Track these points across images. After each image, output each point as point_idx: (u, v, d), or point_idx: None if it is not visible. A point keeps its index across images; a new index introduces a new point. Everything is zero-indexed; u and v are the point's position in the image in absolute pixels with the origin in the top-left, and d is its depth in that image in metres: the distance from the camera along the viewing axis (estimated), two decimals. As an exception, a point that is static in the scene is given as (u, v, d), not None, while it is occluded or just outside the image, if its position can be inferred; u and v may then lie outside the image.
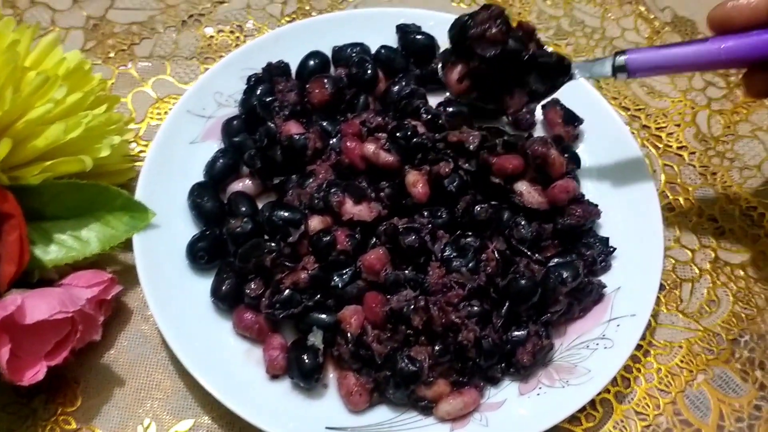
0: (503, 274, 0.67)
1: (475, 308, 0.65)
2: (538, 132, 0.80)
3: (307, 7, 0.93)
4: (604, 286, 0.71)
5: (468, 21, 0.70)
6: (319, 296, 0.67)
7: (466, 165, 0.71)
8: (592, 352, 0.67)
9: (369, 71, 0.79)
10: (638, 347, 0.71)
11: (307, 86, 0.77)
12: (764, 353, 0.72)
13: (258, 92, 0.77)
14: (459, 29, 0.71)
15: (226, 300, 0.69)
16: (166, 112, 0.81)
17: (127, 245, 0.70)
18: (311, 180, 0.71)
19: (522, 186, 0.71)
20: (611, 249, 0.72)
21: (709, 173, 0.83)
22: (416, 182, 0.69)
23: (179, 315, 0.67)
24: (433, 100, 0.78)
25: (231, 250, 0.70)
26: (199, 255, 0.70)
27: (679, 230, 0.79)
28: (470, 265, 0.67)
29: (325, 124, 0.75)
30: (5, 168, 0.65)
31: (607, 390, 0.69)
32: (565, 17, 0.94)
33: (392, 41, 0.83)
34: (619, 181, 0.76)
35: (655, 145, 0.84)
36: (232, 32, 0.90)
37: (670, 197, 0.81)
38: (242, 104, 0.79)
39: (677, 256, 0.77)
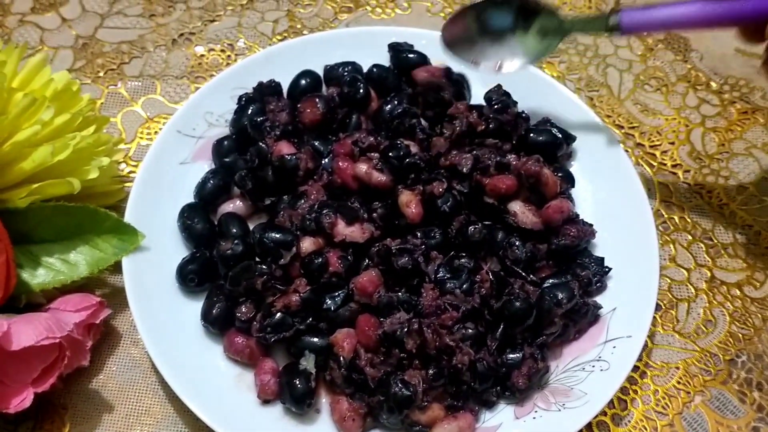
0: (498, 295, 0.66)
1: (470, 330, 0.64)
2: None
3: (299, 26, 0.92)
4: (600, 307, 0.70)
5: None
6: (311, 319, 0.66)
7: (459, 186, 0.70)
8: (588, 374, 0.67)
9: (361, 90, 0.78)
10: (635, 369, 0.70)
11: (299, 106, 0.77)
12: (762, 374, 0.72)
13: (249, 112, 0.77)
14: None
15: (217, 323, 0.68)
16: (156, 132, 0.81)
17: (117, 268, 0.69)
18: (303, 201, 0.71)
19: (516, 206, 0.70)
20: (606, 269, 0.71)
21: (704, 191, 0.82)
22: (409, 202, 0.69)
23: (169, 339, 0.66)
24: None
25: (222, 272, 0.69)
26: (190, 278, 0.69)
27: (675, 249, 0.78)
28: (464, 286, 0.66)
29: (316, 143, 0.75)
30: (-8, 191, 0.64)
31: (603, 413, 0.68)
32: (558, 35, 0.94)
33: (384, 60, 0.83)
34: (614, 200, 0.76)
35: (650, 163, 0.84)
36: (222, 51, 0.90)
37: (665, 216, 0.80)
38: (233, 124, 0.78)
39: (673, 275, 0.76)
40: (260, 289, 0.66)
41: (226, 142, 0.77)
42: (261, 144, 0.73)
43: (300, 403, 0.64)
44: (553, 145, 0.76)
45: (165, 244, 0.71)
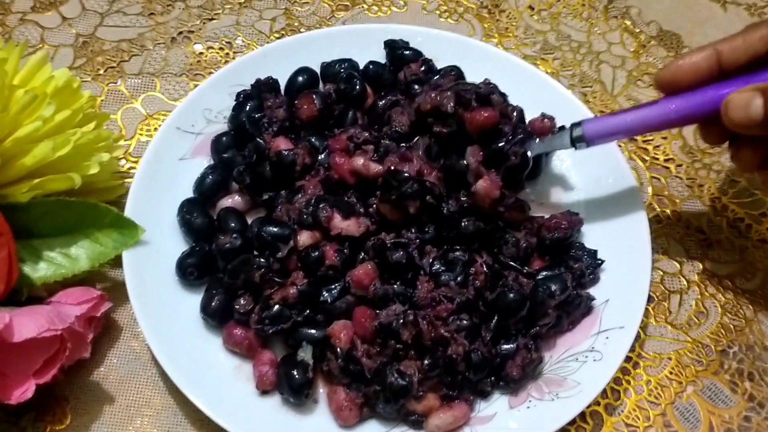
0: (492, 287, 0.67)
1: (464, 322, 0.65)
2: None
3: (296, 24, 0.93)
4: (593, 299, 0.71)
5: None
6: (308, 311, 0.67)
7: (444, 129, 0.71)
8: (581, 364, 0.68)
9: (357, 87, 0.79)
10: (627, 359, 0.71)
11: (296, 102, 0.77)
12: (753, 364, 0.73)
13: (247, 108, 0.77)
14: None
15: (216, 316, 0.69)
16: (155, 129, 0.81)
17: (117, 262, 0.70)
18: (300, 195, 0.72)
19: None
20: (600, 261, 0.72)
21: (696, 185, 0.83)
22: (391, 216, 0.69)
23: (169, 331, 0.67)
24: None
25: (220, 266, 0.70)
26: (189, 271, 0.70)
27: (667, 242, 0.79)
28: (459, 278, 0.67)
29: (313, 139, 0.76)
30: (-6, 186, 0.65)
31: (597, 402, 0.69)
32: (552, 32, 0.95)
33: (380, 57, 0.84)
34: (607, 194, 0.77)
35: (642, 157, 0.85)
36: (221, 49, 0.91)
37: (658, 209, 0.81)
38: (231, 120, 0.79)
39: (665, 267, 0.77)
40: (258, 282, 0.67)
41: (224, 138, 0.78)
42: (259, 140, 0.74)
43: (297, 393, 0.65)
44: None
45: (165, 238, 0.72)
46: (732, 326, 0.75)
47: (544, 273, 0.70)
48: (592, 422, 0.68)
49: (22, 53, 0.71)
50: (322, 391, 0.67)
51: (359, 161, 0.71)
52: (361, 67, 0.82)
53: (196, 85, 0.82)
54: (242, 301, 0.68)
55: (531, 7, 0.97)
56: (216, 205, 0.75)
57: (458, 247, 0.69)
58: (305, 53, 0.83)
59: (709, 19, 0.97)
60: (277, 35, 0.92)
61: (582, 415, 0.68)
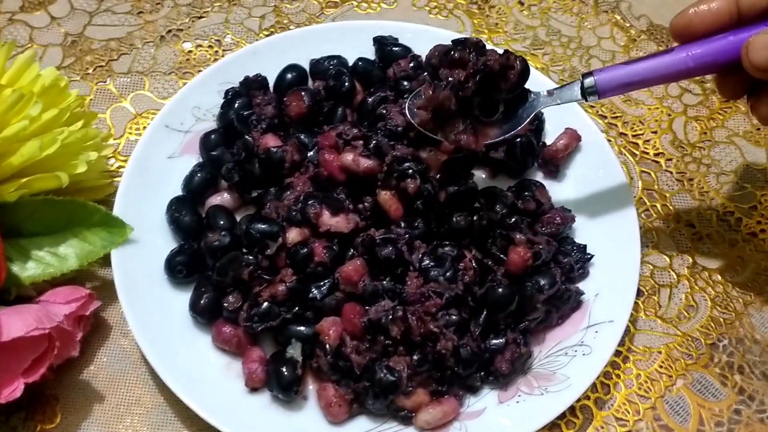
0: (481, 282, 0.67)
1: (453, 317, 0.65)
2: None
3: (285, 21, 0.93)
4: (582, 293, 0.71)
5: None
6: (297, 308, 0.67)
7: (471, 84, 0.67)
8: (570, 359, 0.68)
9: (346, 83, 0.79)
10: (617, 353, 0.71)
11: (285, 99, 0.78)
12: (743, 357, 0.73)
13: (236, 106, 0.78)
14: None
15: (205, 314, 0.69)
16: (144, 127, 0.81)
17: (106, 261, 0.70)
18: (289, 192, 0.72)
19: None
20: (589, 256, 0.73)
21: (686, 179, 0.83)
22: (389, 205, 0.69)
23: (158, 330, 0.67)
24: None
25: (209, 263, 0.70)
26: (178, 269, 0.70)
27: (657, 236, 0.79)
28: (448, 274, 0.67)
29: (302, 136, 0.76)
30: (-19, 186, 0.65)
31: (586, 396, 0.69)
32: (542, 27, 0.95)
33: (369, 53, 0.84)
34: (597, 189, 0.77)
35: (632, 152, 0.85)
36: (210, 47, 0.90)
37: (648, 204, 0.81)
38: (220, 118, 0.79)
39: (655, 261, 0.78)
40: (247, 280, 0.67)
41: (213, 136, 0.78)
42: (247, 137, 0.74)
43: (287, 390, 0.65)
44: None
45: (153, 236, 0.72)
46: (722, 320, 0.75)
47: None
48: (582, 416, 0.68)
49: (10, 53, 0.71)
50: (311, 387, 0.67)
51: (348, 157, 0.71)
52: (351, 63, 0.82)
53: (185, 83, 0.82)
54: (231, 299, 0.68)
55: (521, 2, 0.97)
56: (205, 202, 0.75)
57: (447, 243, 0.69)
58: (294, 50, 0.83)
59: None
60: (266, 32, 0.92)
61: (572, 410, 0.68)
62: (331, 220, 0.69)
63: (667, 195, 0.82)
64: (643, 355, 0.72)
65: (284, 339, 0.67)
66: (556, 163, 0.78)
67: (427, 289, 0.66)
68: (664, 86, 0.89)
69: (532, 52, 0.92)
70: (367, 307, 0.66)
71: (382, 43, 0.84)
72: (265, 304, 0.66)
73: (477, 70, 0.66)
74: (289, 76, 0.81)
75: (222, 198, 0.75)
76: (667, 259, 0.78)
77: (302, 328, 0.67)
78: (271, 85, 0.81)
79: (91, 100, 0.85)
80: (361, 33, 0.85)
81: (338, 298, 0.67)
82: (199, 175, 0.75)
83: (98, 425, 0.67)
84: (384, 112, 0.75)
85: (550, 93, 0.69)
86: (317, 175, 0.73)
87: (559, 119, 0.79)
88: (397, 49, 0.83)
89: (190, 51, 0.90)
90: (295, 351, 0.66)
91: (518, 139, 0.76)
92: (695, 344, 0.73)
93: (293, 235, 0.69)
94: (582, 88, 0.66)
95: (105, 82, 0.87)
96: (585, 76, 0.66)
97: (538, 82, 0.82)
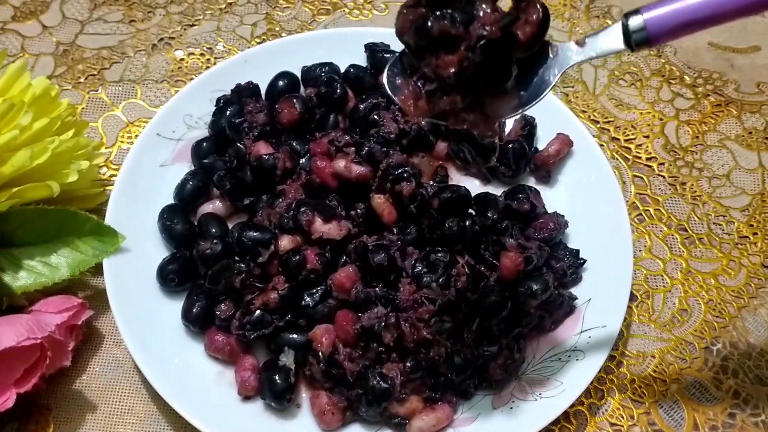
0: (473, 288, 0.67)
1: (446, 323, 0.65)
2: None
3: (277, 29, 0.93)
4: (575, 298, 0.71)
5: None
6: (289, 316, 0.67)
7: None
8: (564, 364, 0.68)
9: (338, 90, 0.79)
10: (611, 358, 0.71)
11: (277, 106, 0.77)
12: (737, 361, 0.73)
13: (227, 114, 0.78)
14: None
15: (197, 322, 0.68)
16: (136, 136, 0.81)
17: (98, 269, 0.70)
18: (281, 200, 0.72)
19: None
20: (581, 261, 0.73)
21: (679, 183, 0.83)
22: (382, 209, 0.69)
23: (150, 338, 0.67)
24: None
25: (201, 272, 0.70)
26: (170, 278, 0.70)
27: (650, 241, 0.79)
28: (440, 280, 0.66)
29: (294, 143, 0.76)
30: (-29, 195, 0.65)
31: (580, 402, 0.69)
32: (534, 32, 0.95)
33: (361, 60, 0.84)
34: (589, 194, 0.77)
35: (625, 156, 0.85)
36: (202, 54, 0.90)
37: (641, 208, 0.81)
38: (212, 126, 0.79)
39: (649, 266, 0.78)
40: (239, 288, 0.67)
41: (205, 144, 0.78)
42: (239, 145, 0.74)
43: (280, 398, 0.64)
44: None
45: (145, 245, 0.72)
46: (715, 323, 0.75)
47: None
48: (576, 422, 0.68)
49: (2, 62, 0.71)
50: (304, 395, 0.67)
51: (341, 164, 0.71)
52: (342, 70, 0.82)
53: (177, 92, 0.82)
54: (223, 307, 0.68)
55: (512, 9, 0.97)
56: (197, 210, 0.75)
57: (440, 249, 0.69)
58: (286, 58, 0.83)
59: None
60: (258, 40, 0.92)
61: (566, 415, 0.68)
62: (323, 227, 0.68)
63: (660, 199, 0.82)
64: (636, 360, 0.72)
65: (277, 347, 0.67)
66: (548, 168, 0.78)
67: (419, 295, 0.66)
68: (656, 90, 0.90)
69: (524, 58, 0.92)
70: (359, 314, 0.66)
71: (373, 49, 0.84)
72: (258, 311, 0.66)
73: (472, 51, 0.51)
74: (280, 83, 0.81)
75: (214, 206, 0.75)
76: (661, 264, 0.78)
77: (295, 335, 0.67)
78: (263, 92, 0.81)
79: (83, 108, 0.85)
80: (353, 40, 0.85)
81: (331, 305, 0.67)
82: (191, 183, 0.75)
83: (91, 435, 0.67)
84: (377, 118, 0.75)
85: (579, 43, 0.53)
86: (309, 182, 0.72)
87: (550, 124, 0.79)
88: (388, 55, 0.83)
89: (182, 59, 0.90)
90: (287, 359, 0.65)
91: (510, 145, 0.76)
92: (689, 348, 0.73)
93: (285, 242, 0.69)
94: (626, 31, 0.50)
95: (97, 90, 0.87)
96: (628, 15, 0.50)
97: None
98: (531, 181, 0.79)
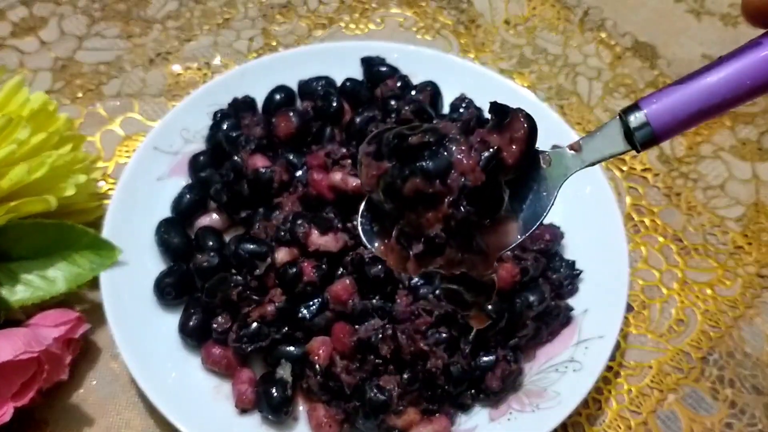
0: (470, 300, 0.67)
1: (443, 335, 0.65)
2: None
3: (274, 43, 0.94)
4: (572, 309, 0.71)
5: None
6: (286, 329, 0.67)
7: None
8: (561, 375, 0.68)
9: (334, 103, 0.79)
10: (608, 369, 0.71)
11: (273, 120, 0.78)
12: (734, 371, 0.73)
13: (224, 127, 0.78)
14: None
15: (194, 335, 0.68)
16: (134, 150, 0.81)
17: (95, 283, 0.70)
18: (278, 212, 0.72)
19: None
20: (578, 272, 0.73)
21: (674, 194, 0.84)
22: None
23: (147, 352, 0.67)
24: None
25: (198, 284, 0.70)
26: (167, 291, 0.70)
27: (646, 251, 0.79)
28: (437, 291, 0.67)
29: (291, 156, 0.76)
30: (-31, 210, 0.65)
31: (578, 413, 0.69)
32: (528, 46, 0.96)
33: (357, 74, 0.84)
34: (584, 205, 0.77)
35: (619, 167, 0.85)
36: (199, 69, 0.91)
37: (636, 219, 0.82)
38: (208, 140, 0.79)
39: (645, 277, 0.78)
40: (236, 300, 0.67)
41: (202, 158, 0.78)
42: (236, 158, 0.74)
43: (277, 411, 0.64)
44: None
45: (142, 258, 0.72)
46: (712, 334, 0.75)
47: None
48: (574, 433, 0.68)
49: (0, 78, 0.71)
50: (301, 408, 0.67)
51: (337, 176, 0.71)
52: (339, 84, 0.83)
53: (174, 106, 0.83)
54: (220, 320, 0.68)
55: (507, 22, 0.98)
56: (194, 224, 0.76)
57: (436, 261, 0.69)
58: (282, 72, 0.84)
59: (684, 30, 0.98)
60: (255, 54, 0.93)
61: (563, 426, 0.68)
62: (320, 240, 0.69)
63: (655, 210, 0.82)
64: (634, 371, 0.72)
65: (274, 359, 0.67)
66: None
67: (416, 307, 0.66)
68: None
69: (519, 71, 0.93)
70: (356, 326, 0.66)
71: (369, 63, 0.84)
72: (254, 324, 0.66)
73: (456, 206, 0.43)
74: (277, 96, 0.82)
75: (211, 219, 0.75)
76: (657, 274, 0.78)
77: (292, 348, 0.67)
78: (259, 106, 0.82)
79: (81, 123, 0.86)
80: (349, 54, 0.85)
81: (328, 317, 0.67)
82: (187, 196, 0.75)
83: (88, 449, 0.67)
84: (374, 130, 0.76)
85: (574, 148, 0.46)
86: (306, 195, 0.73)
87: (545, 136, 0.79)
88: (384, 69, 0.84)
89: (179, 74, 0.91)
90: (284, 371, 0.65)
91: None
92: (686, 359, 0.73)
93: (282, 254, 0.69)
94: (626, 130, 0.43)
95: (94, 105, 0.87)
96: (626, 112, 0.43)
97: (525, 99, 0.82)
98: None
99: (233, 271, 0.69)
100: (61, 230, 0.69)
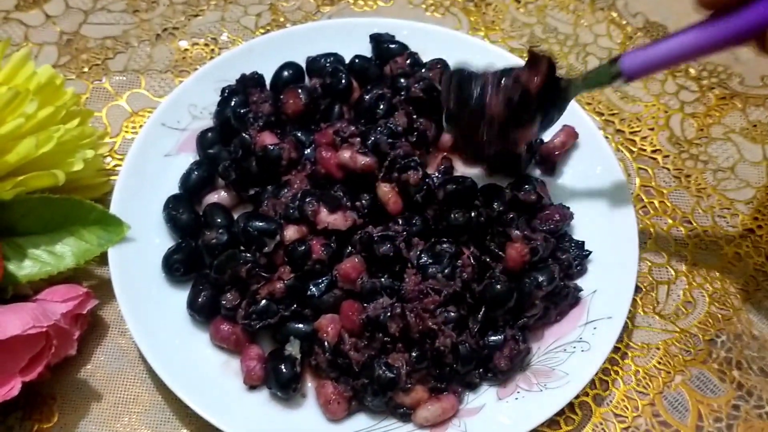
0: (479, 279, 0.67)
1: (452, 314, 0.65)
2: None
3: (282, 19, 0.93)
4: (581, 290, 0.71)
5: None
6: (295, 306, 0.67)
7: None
8: (569, 355, 0.68)
9: (343, 81, 0.79)
10: (616, 350, 0.71)
11: (282, 97, 0.77)
12: (741, 353, 0.73)
13: (232, 104, 0.77)
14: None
15: (203, 312, 0.68)
16: (141, 126, 0.81)
17: (103, 259, 0.70)
18: (286, 190, 0.71)
19: None
20: (587, 252, 0.72)
21: (684, 176, 0.83)
22: (388, 198, 0.70)
23: (156, 328, 0.67)
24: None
25: (207, 261, 0.70)
26: (175, 267, 0.70)
27: (655, 233, 0.79)
28: (446, 271, 0.66)
29: (299, 134, 0.76)
30: (-23, 184, 0.65)
31: (585, 393, 0.69)
32: (539, 24, 0.95)
33: (366, 51, 0.84)
34: (594, 186, 0.77)
35: (630, 149, 0.85)
36: (206, 45, 0.90)
37: (645, 200, 0.81)
38: (217, 116, 0.79)
39: (653, 258, 0.78)
40: (245, 277, 0.67)
41: (210, 134, 0.77)
42: (244, 135, 0.74)
43: (285, 388, 0.64)
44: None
45: (150, 234, 0.72)
46: (720, 315, 0.75)
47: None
48: (581, 413, 0.68)
49: (5, 51, 0.70)
50: (310, 385, 0.67)
51: (346, 154, 0.71)
52: (347, 61, 0.82)
53: (181, 82, 0.82)
54: (229, 297, 0.68)
55: (517, 0, 0.97)
56: (202, 200, 0.75)
57: (445, 240, 0.69)
58: (291, 48, 0.83)
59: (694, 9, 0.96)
60: (262, 30, 0.92)
61: (570, 406, 0.68)
62: (328, 218, 0.68)
63: (665, 192, 0.82)
64: (641, 352, 0.72)
65: (282, 336, 0.67)
66: (553, 160, 0.78)
67: (425, 286, 0.66)
68: (661, 82, 0.89)
69: (529, 50, 0.92)
70: (365, 305, 0.66)
71: (378, 40, 0.83)
72: (263, 301, 0.66)
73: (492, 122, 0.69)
74: (285, 73, 0.81)
75: (219, 196, 0.75)
76: (665, 256, 0.78)
77: (300, 325, 0.67)
78: (267, 82, 0.81)
79: (87, 98, 0.85)
80: (358, 30, 0.85)
81: (336, 295, 0.67)
82: (196, 173, 0.75)
83: (96, 424, 0.67)
84: (389, 107, 0.75)
85: (579, 79, 0.68)
86: (314, 173, 0.72)
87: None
88: (393, 46, 0.83)
89: (186, 49, 0.90)
90: (293, 348, 0.65)
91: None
92: (693, 340, 0.73)
93: (291, 232, 0.69)
94: (609, 72, 0.64)
95: (101, 80, 0.87)
96: (612, 62, 0.64)
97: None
98: (536, 173, 0.79)
99: (242, 248, 0.69)
100: (69, 205, 0.68)
